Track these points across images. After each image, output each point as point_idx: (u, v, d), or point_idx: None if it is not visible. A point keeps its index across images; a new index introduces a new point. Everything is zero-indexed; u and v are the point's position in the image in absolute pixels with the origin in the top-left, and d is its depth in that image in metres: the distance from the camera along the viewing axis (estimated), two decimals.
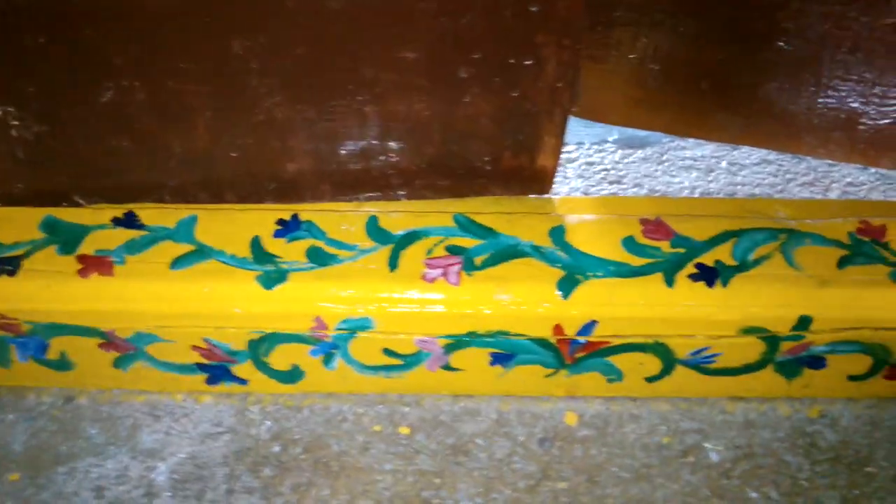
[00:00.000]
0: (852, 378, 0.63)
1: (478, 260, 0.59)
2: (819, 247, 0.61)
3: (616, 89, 0.73)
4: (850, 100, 0.66)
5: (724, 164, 0.93)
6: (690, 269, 0.59)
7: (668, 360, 0.61)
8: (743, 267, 0.59)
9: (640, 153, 0.95)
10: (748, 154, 0.94)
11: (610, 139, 0.97)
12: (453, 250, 0.60)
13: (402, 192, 0.67)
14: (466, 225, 0.62)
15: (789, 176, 0.91)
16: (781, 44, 0.66)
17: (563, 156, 0.94)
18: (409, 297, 0.57)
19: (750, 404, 0.64)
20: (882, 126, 0.67)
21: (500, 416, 0.63)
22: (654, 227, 0.62)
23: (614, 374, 0.62)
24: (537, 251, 0.60)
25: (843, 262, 0.60)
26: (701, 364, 0.61)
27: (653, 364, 0.61)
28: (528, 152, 0.66)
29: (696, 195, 0.88)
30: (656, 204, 0.66)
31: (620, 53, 0.69)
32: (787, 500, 0.57)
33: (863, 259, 0.60)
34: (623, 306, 0.57)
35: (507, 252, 0.60)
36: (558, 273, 0.58)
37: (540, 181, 0.68)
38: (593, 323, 0.58)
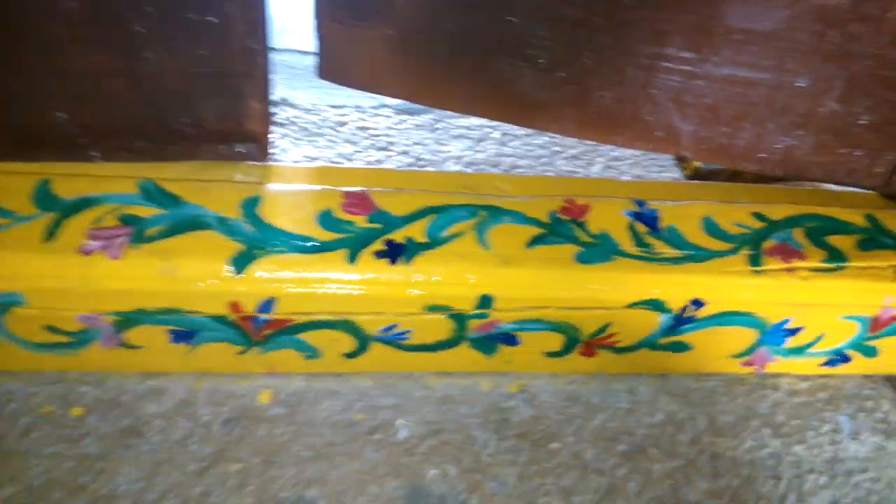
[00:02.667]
0: (550, 354, 0.64)
1: (151, 231, 0.55)
2: (516, 225, 0.61)
3: (360, 54, 0.69)
4: (577, 76, 0.66)
5: (496, 134, 0.93)
6: (379, 245, 0.57)
7: (362, 337, 0.60)
8: (432, 244, 0.58)
9: (415, 120, 0.92)
10: None
11: (390, 104, 0.95)
12: (127, 220, 0.55)
13: (95, 154, 0.61)
14: (151, 192, 0.58)
15: (558, 149, 0.92)
16: (510, 17, 0.64)
17: (334, 118, 0.91)
18: (62, 271, 0.52)
19: (453, 379, 0.64)
20: (610, 103, 0.68)
21: (189, 395, 0.60)
22: (357, 200, 0.60)
23: (310, 351, 0.60)
24: (221, 223, 0.56)
25: (533, 242, 0.60)
26: (395, 340, 0.60)
27: (347, 341, 0.60)
28: (233, 116, 0.62)
29: (462, 164, 0.87)
30: (369, 176, 0.64)
31: (362, 17, 0.66)
32: (465, 476, 0.58)
33: (555, 238, 0.60)
34: (300, 283, 0.55)
35: (187, 223, 0.56)
36: (236, 247, 0.55)
37: (252, 146, 0.64)
38: (272, 300, 0.55)
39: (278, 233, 0.56)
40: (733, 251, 0.62)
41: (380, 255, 0.56)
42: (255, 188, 0.60)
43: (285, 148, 0.84)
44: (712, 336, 0.63)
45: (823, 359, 0.68)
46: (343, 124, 0.89)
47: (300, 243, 0.56)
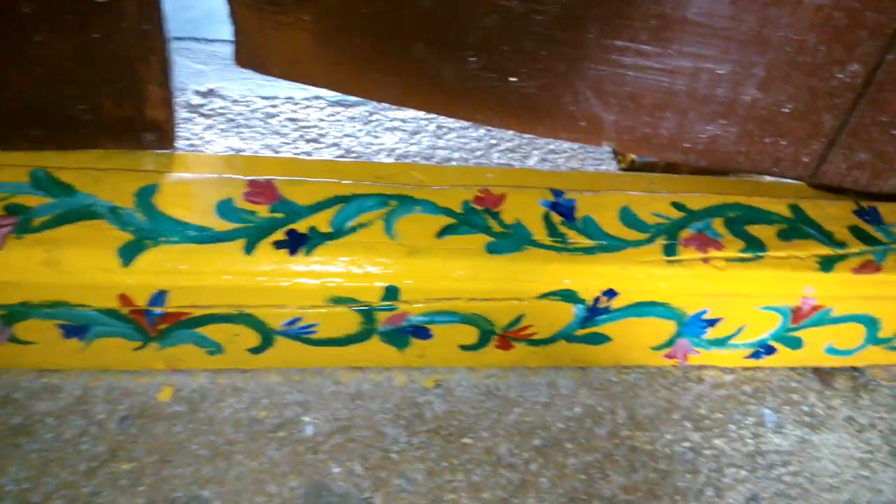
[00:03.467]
0: (465, 348, 0.62)
1: (37, 221, 0.53)
2: (427, 215, 0.59)
3: (276, 41, 0.67)
4: (496, 64, 0.64)
5: (431, 126, 0.91)
6: (280, 235, 0.55)
7: (265, 331, 0.58)
8: (337, 234, 0.56)
9: (349, 112, 0.91)
10: None
11: (324, 96, 0.93)
12: (13, 209, 0.53)
13: None
14: (41, 181, 0.55)
15: (493, 141, 0.90)
16: (427, 3, 0.62)
17: (264, 110, 0.89)
18: None
19: (366, 374, 0.63)
20: (531, 92, 0.66)
21: (84, 392, 0.58)
22: (260, 189, 0.58)
23: (212, 346, 0.58)
24: (112, 213, 0.54)
25: (444, 232, 0.58)
26: (302, 335, 0.58)
27: (250, 335, 0.58)
28: (133, 102, 0.60)
29: (394, 157, 0.85)
30: (278, 165, 0.62)
31: (276, 2, 0.64)
32: (371, 473, 0.56)
33: (467, 229, 0.59)
34: (193, 275, 0.53)
35: (77, 213, 0.54)
36: (126, 237, 0.53)
37: (156, 134, 0.62)
38: (163, 293, 0.53)
39: (172, 222, 0.54)
40: (648, 241, 0.61)
41: (279, 245, 0.55)
42: (154, 177, 0.58)
43: (210, 139, 0.82)
44: (630, 327, 0.62)
45: (747, 351, 0.67)
46: (273, 116, 0.87)
47: (194, 233, 0.54)
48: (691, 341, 0.65)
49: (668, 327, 0.63)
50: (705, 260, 0.60)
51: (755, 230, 0.63)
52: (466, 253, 0.57)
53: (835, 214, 0.67)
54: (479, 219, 0.60)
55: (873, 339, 0.67)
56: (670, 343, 0.64)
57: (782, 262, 0.61)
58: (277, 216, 0.56)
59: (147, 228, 0.54)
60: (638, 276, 0.59)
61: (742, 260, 0.61)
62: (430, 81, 0.67)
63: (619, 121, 0.67)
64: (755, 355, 0.67)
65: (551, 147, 0.91)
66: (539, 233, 0.60)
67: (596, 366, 0.67)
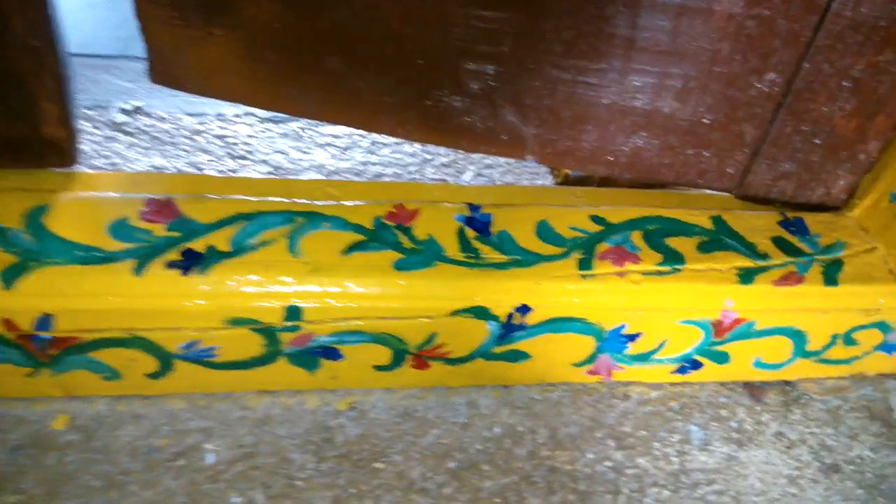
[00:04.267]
0: (380, 368, 0.60)
1: None
2: (336, 231, 0.57)
3: (189, 56, 0.66)
4: (413, 77, 0.63)
5: (365, 142, 0.89)
6: (174, 255, 0.53)
7: (163, 356, 0.55)
8: (236, 253, 0.54)
9: (280, 128, 0.89)
10: None
11: (256, 113, 0.91)
12: None
13: None
14: None
15: (428, 156, 0.89)
16: (336, 16, 0.61)
17: (191, 127, 0.87)
18: None
19: (276, 398, 0.60)
20: (450, 106, 0.65)
21: None
22: (158, 208, 0.56)
23: (107, 372, 0.56)
24: None
25: (351, 248, 0.56)
26: (202, 358, 0.56)
27: (147, 360, 0.55)
28: (27, 120, 0.57)
29: (324, 173, 0.84)
30: (184, 183, 0.60)
31: (185, 17, 0.62)
32: (273, 502, 0.54)
33: (375, 245, 0.57)
34: (79, 297, 0.51)
35: None
36: (9, 259, 0.51)
37: (55, 153, 0.59)
38: (48, 316, 0.51)
39: (61, 243, 0.52)
40: (564, 255, 0.59)
41: (172, 265, 0.52)
42: (48, 197, 0.56)
43: (132, 158, 0.80)
44: (548, 344, 0.60)
45: (672, 366, 0.65)
46: (200, 133, 0.85)
47: (82, 254, 0.52)
48: (613, 357, 0.63)
49: (587, 343, 0.61)
50: (621, 274, 0.59)
51: (675, 243, 0.62)
52: (373, 270, 0.55)
53: (759, 226, 0.66)
54: (390, 235, 0.58)
55: (802, 353, 0.66)
56: (592, 359, 0.63)
57: (700, 276, 0.60)
58: (174, 235, 0.54)
59: (33, 250, 0.51)
60: (551, 291, 0.57)
61: (659, 273, 0.59)
62: (347, 95, 0.66)
63: (539, 134, 0.66)
64: (681, 370, 0.66)
65: (487, 162, 0.90)
66: (451, 248, 0.58)
67: (519, 384, 0.65)
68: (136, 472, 0.54)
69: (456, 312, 0.57)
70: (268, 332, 0.55)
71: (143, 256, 0.52)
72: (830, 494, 0.61)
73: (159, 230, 0.55)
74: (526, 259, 0.58)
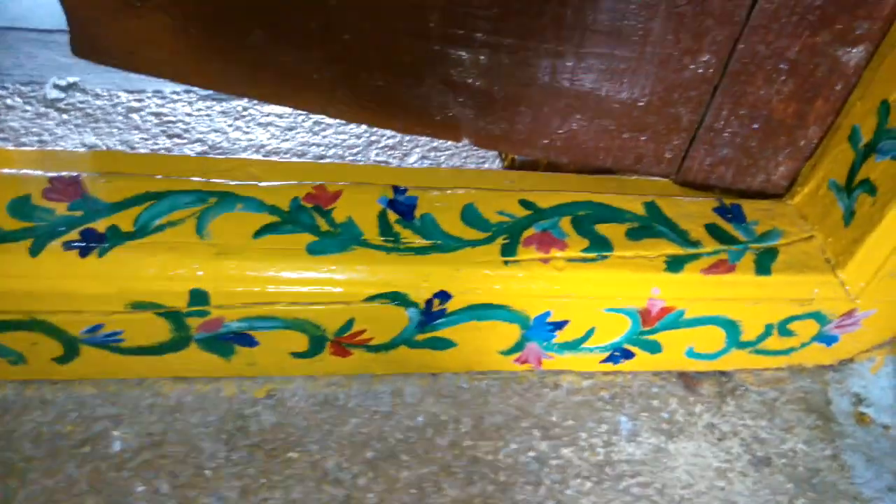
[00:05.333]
0: (298, 355, 0.59)
1: None
2: (249, 213, 0.55)
3: (110, 28, 0.63)
4: (341, 54, 0.61)
5: (308, 123, 0.87)
6: (73, 235, 0.51)
7: (66, 339, 0.53)
8: (139, 234, 0.52)
9: (221, 106, 0.86)
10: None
11: (197, 90, 0.89)
12: None
13: None
14: None
15: (374, 138, 0.87)
16: None
17: (127, 104, 0.84)
18: None
19: (192, 385, 0.59)
20: (382, 85, 0.63)
21: None
22: (62, 186, 0.54)
23: (12, 356, 0.54)
24: None
25: (262, 231, 0.54)
26: (108, 343, 0.54)
27: (50, 344, 0.53)
28: None
29: (262, 153, 0.81)
30: (96, 160, 0.58)
31: None
32: (179, 492, 0.52)
33: (289, 227, 0.55)
34: None
35: None
36: None
37: None
38: None
39: None
40: (488, 240, 0.57)
41: (69, 245, 0.50)
42: None
43: (62, 135, 0.77)
44: (473, 331, 0.59)
45: (602, 355, 0.64)
46: (136, 111, 0.83)
47: None
48: (542, 345, 0.62)
49: (512, 331, 0.59)
50: (545, 260, 0.57)
51: (604, 229, 0.60)
52: (283, 254, 0.54)
53: (693, 212, 0.64)
54: (307, 217, 0.56)
55: (736, 343, 0.65)
56: (519, 347, 0.61)
57: (627, 263, 0.58)
58: (75, 214, 0.52)
59: None
60: (472, 277, 0.56)
61: (584, 260, 0.58)
62: (273, 72, 0.63)
63: (473, 116, 0.64)
64: (612, 359, 0.64)
65: (434, 145, 0.88)
66: (370, 232, 0.56)
67: (447, 372, 0.63)
68: (39, 458, 0.52)
69: (371, 298, 0.55)
70: (174, 317, 0.53)
71: (41, 236, 0.50)
72: (759, 488, 0.60)
73: (61, 209, 0.52)
74: (447, 244, 0.56)
